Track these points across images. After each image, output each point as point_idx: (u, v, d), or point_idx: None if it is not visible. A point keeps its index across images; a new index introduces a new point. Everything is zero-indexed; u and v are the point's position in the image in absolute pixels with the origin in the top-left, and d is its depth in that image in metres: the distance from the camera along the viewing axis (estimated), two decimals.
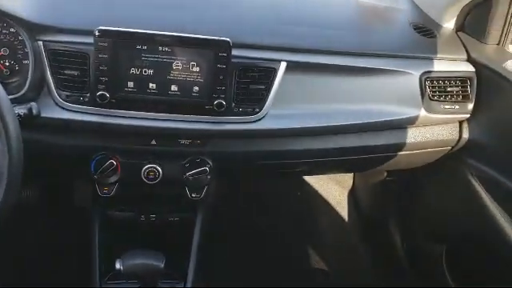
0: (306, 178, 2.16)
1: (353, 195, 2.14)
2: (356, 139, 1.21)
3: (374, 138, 1.23)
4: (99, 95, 1.00)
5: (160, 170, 1.13)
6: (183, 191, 1.21)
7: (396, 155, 1.29)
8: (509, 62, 1.20)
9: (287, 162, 1.23)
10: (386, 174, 1.81)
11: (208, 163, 1.14)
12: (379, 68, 1.18)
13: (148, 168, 1.12)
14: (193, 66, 1.01)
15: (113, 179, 1.14)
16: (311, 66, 1.14)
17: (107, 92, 1.00)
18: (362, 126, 1.18)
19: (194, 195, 1.21)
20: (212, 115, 1.06)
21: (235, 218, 1.89)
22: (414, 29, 1.33)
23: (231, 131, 1.10)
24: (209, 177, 1.15)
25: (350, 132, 1.20)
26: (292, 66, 1.10)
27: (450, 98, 1.25)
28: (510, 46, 1.28)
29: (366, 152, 1.25)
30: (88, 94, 1.02)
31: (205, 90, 1.04)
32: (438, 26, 1.38)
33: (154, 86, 1.02)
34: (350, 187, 2.18)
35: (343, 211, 2.09)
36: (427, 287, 1.66)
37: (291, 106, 1.13)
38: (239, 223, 1.90)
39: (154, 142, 1.11)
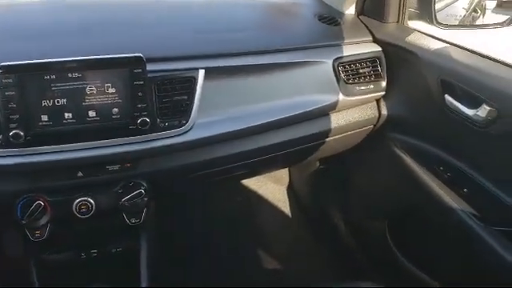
0: (244, 181, 2.16)
1: (292, 190, 2.17)
2: (285, 133, 1.23)
3: (301, 129, 1.25)
4: (12, 135, 0.93)
5: (92, 201, 1.07)
6: (121, 219, 1.15)
7: (324, 142, 1.32)
8: (410, 36, 1.27)
9: (223, 168, 1.22)
10: (318, 163, 1.86)
11: (142, 185, 1.10)
12: (293, 62, 1.21)
13: (79, 202, 1.06)
14: (108, 87, 0.98)
15: (43, 221, 1.06)
16: (229, 69, 1.14)
17: (21, 130, 0.94)
18: (288, 119, 1.20)
19: (133, 221, 1.16)
20: (137, 135, 1.03)
21: (181, 234, 1.86)
22: (319, 19, 1.39)
23: (160, 148, 1.06)
24: (145, 199, 1.11)
25: (278, 127, 1.21)
26: (211, 72, 1.09)
27: (364, 79, 1.30)
28: (408, 22, 1.36)
29: (296, 144, 1.27)
30: (0, 136, 0.95)
31: (125, 110, 1.00)
32: (341, 14, 1.45)
33: (70, 115, 0.97)
34: (287, 183, 2.21)
35: (285, 207, 2.11)
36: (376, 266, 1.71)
37: (218, 111, 1.12)
38: (185, 239, 1.86)
39: (80, 174, 1.05)
